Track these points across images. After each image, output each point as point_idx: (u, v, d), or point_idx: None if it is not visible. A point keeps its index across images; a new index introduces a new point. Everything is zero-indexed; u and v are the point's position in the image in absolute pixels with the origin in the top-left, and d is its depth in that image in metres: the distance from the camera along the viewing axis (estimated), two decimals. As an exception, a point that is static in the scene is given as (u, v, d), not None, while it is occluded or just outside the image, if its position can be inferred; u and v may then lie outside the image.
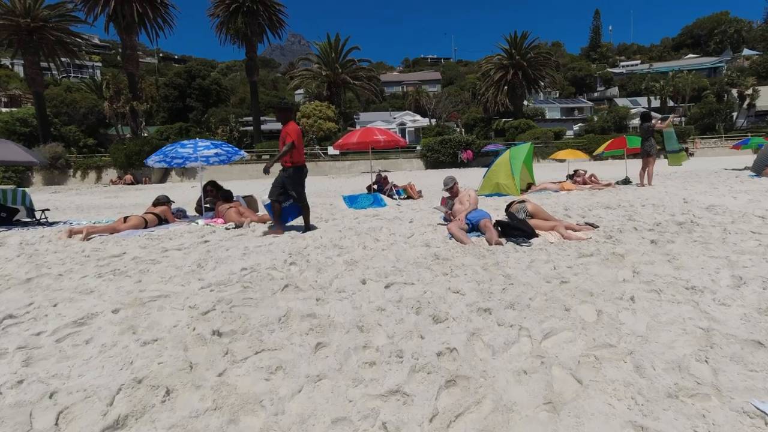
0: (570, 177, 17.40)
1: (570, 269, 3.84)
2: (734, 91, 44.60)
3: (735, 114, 45.23)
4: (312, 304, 3.24)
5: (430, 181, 21.21)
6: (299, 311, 3.09)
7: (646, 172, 10.19)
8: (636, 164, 13.35)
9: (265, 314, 3.06)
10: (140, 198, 17.28)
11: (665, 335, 2.56)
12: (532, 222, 5.27)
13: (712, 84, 47.73)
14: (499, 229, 5.15)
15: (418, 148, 36.58)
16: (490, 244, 4.74)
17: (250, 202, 7.97)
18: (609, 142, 12.88)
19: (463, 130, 45.47)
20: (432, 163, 34.28)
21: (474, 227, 5.42)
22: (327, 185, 21.38)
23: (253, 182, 26.83)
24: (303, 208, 6.16)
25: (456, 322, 2.87)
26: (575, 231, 5.20)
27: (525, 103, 55.98)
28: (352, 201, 9.17)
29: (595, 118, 49.76)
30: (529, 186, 10.30)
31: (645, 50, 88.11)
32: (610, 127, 43.46)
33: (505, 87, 43.40)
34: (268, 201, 6.02)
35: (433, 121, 46.38)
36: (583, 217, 6.06)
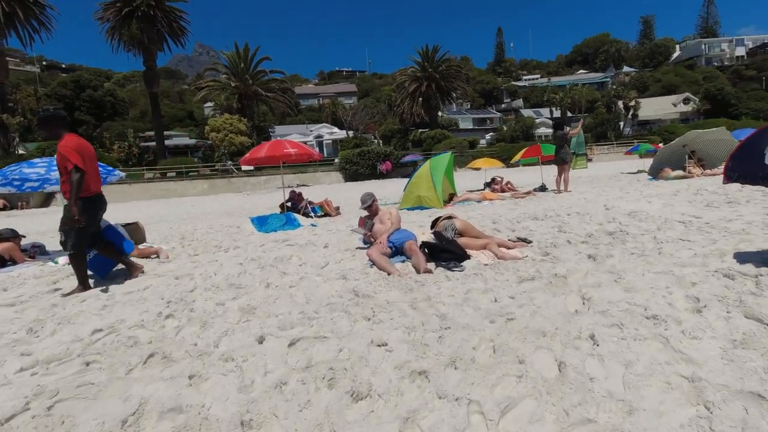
0: (488, 185, 17.67)
1: (513, 300, 3.25)
2: (620, 103, 49.50)
3: (622, 123, 50.16)
4: (181, 387, 2.29)
5: (350, 195, 20.53)
6: (159, 403, 2.13)
7: (562, 178, 10.30)
8: (549, 170, 13.71)
9: (102, 415, 2.06)
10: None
11: (649, 395, 1.99)
12: (461, 241, 4.69)
13: (602, 96, 52.62)
14: (427, 251, 4.50)
15: (337, 160, 35.87)
16: (418, 271, 4.05)
17: (133, 230, 6.64)
18: (524, 150, 13.09)
19: (380, 141, 45.58)
20: (351, 176, 33.71)
21: (398, 250, 4.72)
22: (240, 203, 19.82)
23: (157, 203, 24.30)
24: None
25: (383, 399, 2.09)
26: (509, 248, 4.70)
27: (439, 113, 57.75)
28: (261, 223, 8.12)
29: (505, 128, 52.54)
30: (452, 197, 9.95)
31: (543, 65, 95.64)
32: (518, 136, 46.00)
33: (420, 98, 44.29)
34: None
35: (351, 133, 46.00)
36: (513, 231, 5.63)
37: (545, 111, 57.48)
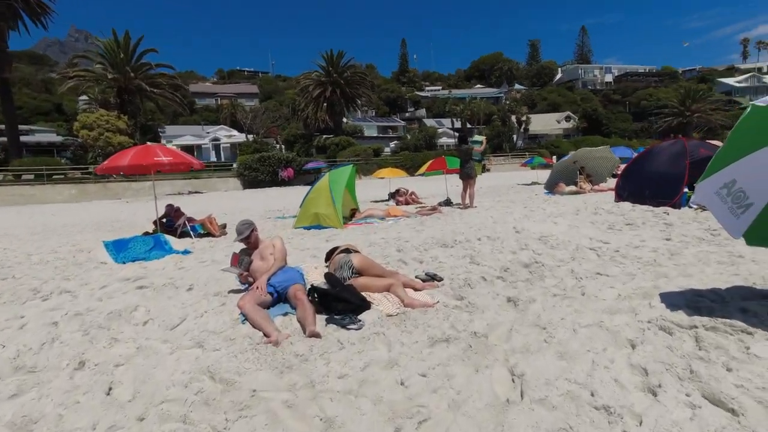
0: (392, 195, 17.21)
1: (425, 380, 2.43)
2: (513, 118, 53.14)
3: (515, 136, 53.88)
4: None
5: (247, 204, 18.82)
6: None
7: (467, 193, 9.99)
8: (453, 180, 13.50)
9: None
10: None
11: None
12: (360, 282, 3.81)
13: (498, 110, 56.09)
14: (317, 297, 3.55)
15: (235, 166, 33.38)
16: (304, 331, 3.09)
17: None
18: (430, 162, 12.73)
19: (283, 146, 43.67)
20: (250, 182, 31.57)
21: (281, 297, 3.70)
22: (116, 213, 17.03)
23: (5, 211, 20.11)
24: None
25: None
26: (417, 290, 3.92)
27: (344, 120, 57.22)
28: (119, 249, 6.52)
29: (409, 137, 53.52)
30: (353, 213, 9.11)
31: (444, 78, 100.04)
32: (422, 145, 47.02)
33: (325, 104, 43.25)
34: None
35: (251, 136, 43.41)
36: (422, 262, 4.90)
37: (447, 121, 59.73)
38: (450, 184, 13.54)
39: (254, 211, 15.07)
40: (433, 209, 9.35)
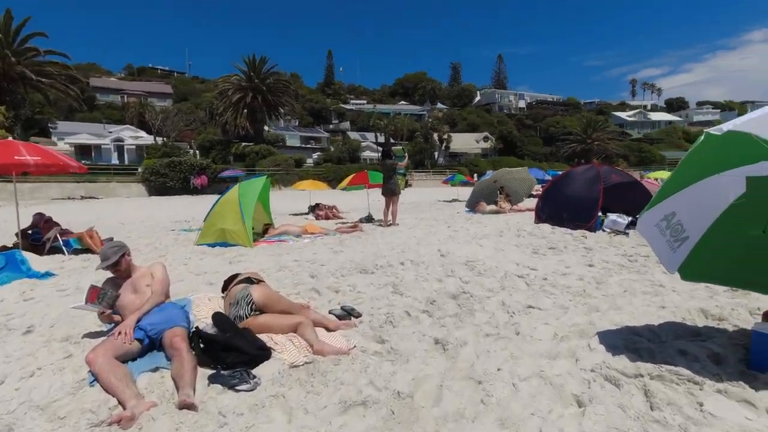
0: (312, 209, 16.42)
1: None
2: (435, 135, 54.67)
3: (437, 153, 55.43)
4: None
5: (150, 213, 16.92)
6: None
7: (390, 210, 9.56)
8: (375, 194, 13.02)
9: None
10: None
11: None
12: (261, 321, 3.10)
13: (421, 127, 57.44)
14: (201, 345, 2.77)
15: (140, 170, 30.44)
16: (180, 398, 2.31)
17: None
18: (352, 177, 12.17)
19: (197, 152, 40.86)
20: (157, 189, 28.91)
21: (154, 344, 2.87)
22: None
23: None
24: None
25: None
26: (330, 329, 3.28)
27: (266, 128, 55.24)
28: (-47, 269, 5.12)
29: (332, 149, 52.90)
30: (267, 229, 8.24)
31: (370, 92, 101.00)
32: (345, 158, 46.58)
33: (245, 110, 41.26)
34: None
35: (161, 139, 40.09)
36: (337, 292, 4.26)
37: (371, 135, 60.00)
38: (372, 200, 13.08)
39: (157, 220, 13.49)
40: (354, 227, 8.77)
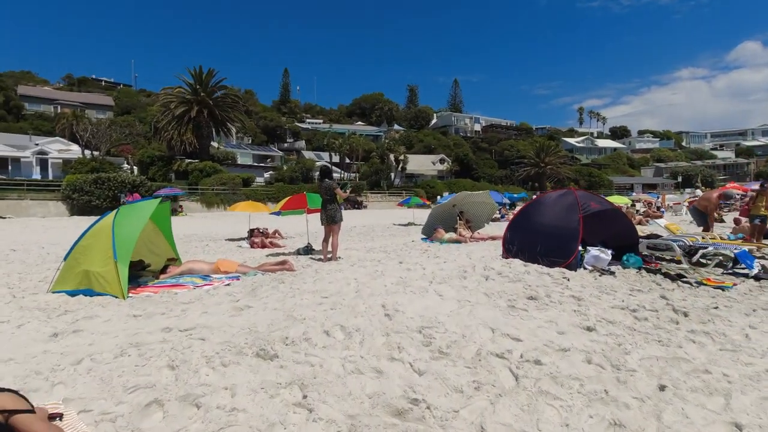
0: (251, 234, 14.40)
1: None
2: (392, 156, 53.73)
3: (393, 174, 54.40)
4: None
5: (55, 236, 14.22)
6: None
7: (330, 242, 7.84)
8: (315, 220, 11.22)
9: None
10: None
11: None
12: None
13: (377, 148, 56.40)
14: None
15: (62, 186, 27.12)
16: None
17: None
18: (286, 200, 10.31)
19: (136, 168, 37.60)
20: (81, 208, 25.74)
21: None
22: None
23: None
24: None
25: None
26: None
27: (216, 145, 52.38)
28: None
29: (285, 168, 50.72)
30: (166, 267, 6.29)
31: (326, 112, 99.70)
32: (298, 177, 44.57)
33: (189, 124, 38.52)
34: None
35: (94, 153, 36.52)
36: (198, 407, 2.47)
37: (326, 155, 58.36)
38: (312, 227, 11.30)
39: (61, 246, 10.91)
40: (282, 263, 6.92)
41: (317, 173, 50.59)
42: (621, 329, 3.89)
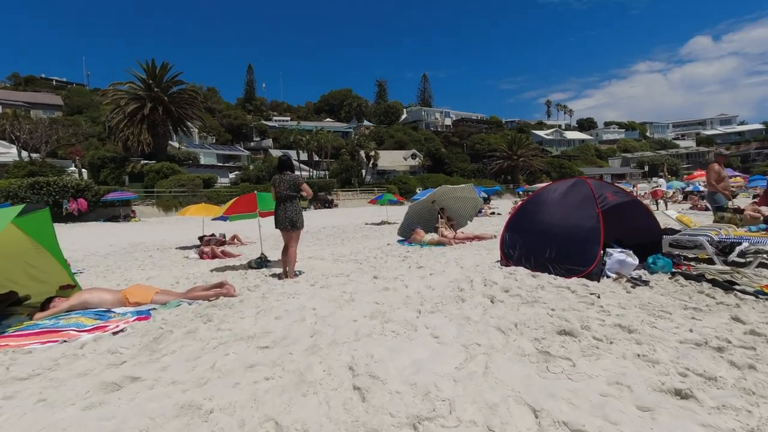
0: (201, 241, 12.58)
1: None
2: (362, 152, 52.04)
3: (364, 171, 52.73)
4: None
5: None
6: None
7: (288, 254, 6.17)
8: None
9: None
10: None
11: None
12: None
13: (347, 144, 54.59)
14: None
15: (-6, 193, 24.26)
16: None
17: None
18: (232, 202, 8.51)
19: (84, 170, 34.63)
20: (17, 217, 23.02)
21: None
22: None
23: None
24: None
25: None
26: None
27: (176, 145, 49.49)
28: None
29: (251, 167, 48.34)
30: (51, 299, 4.52)
31: (294, 109, 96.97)
32: (265, 177, 42.39)
33: (144, 123, 35.76)
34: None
35: (32, 155, 33.31)
36: None
37: (294, 153, 56.20)
38: (266, 232, 9.57)
39: None
40: (219, 286, 5.21)
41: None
42: (727, 390, 2.45)
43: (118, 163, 35.20)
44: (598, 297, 4.38)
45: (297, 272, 6.45)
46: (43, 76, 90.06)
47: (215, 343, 3.27)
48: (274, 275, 6.64)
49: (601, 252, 5.35)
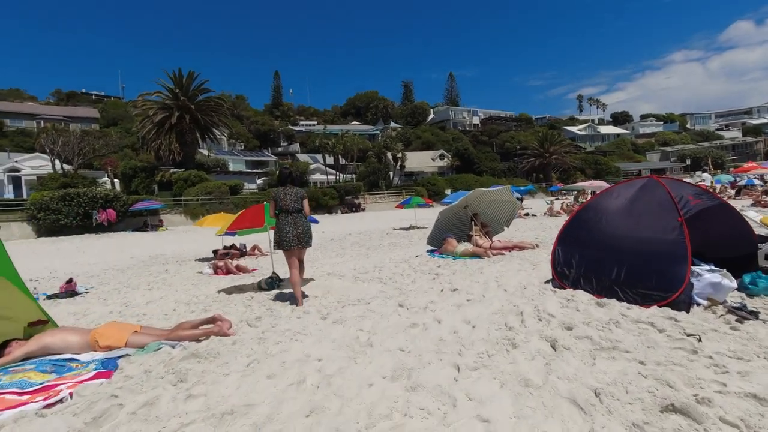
0: (215, 255, 11.89)
1: None
2: (389, 154, 51.10)
3: (392, 173, 51.80)
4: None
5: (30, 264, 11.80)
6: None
7: (296, 274, 5.27)
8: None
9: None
10: None
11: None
12: None
13: (373, 146, 53.80)
14: None
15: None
16: None
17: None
18: (238, 216, 7.65)
19: (117, 181, 35.13)
20: (48, 229, 23.26)
21: None
22: None
23: None
24: None
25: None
26: None
27: (206, 153, 49.98)
28: None
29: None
30: (7, 343, 3.76)
31: (320, 113, 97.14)
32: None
33: (172, 132, 36.01)
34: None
35: (66, 167, 33.95)
36: None
37: (320, 157, 55.95)
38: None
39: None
40: (210, 321, 4.34)
41: (313, 176, 47.61)
42: None
43: (149, 172, 35.55)
44: (699, 340, 3.26)
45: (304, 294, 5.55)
46: (83, 90, 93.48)
47: (175, 425, 2.36)
48: (284, 299, 5.75)
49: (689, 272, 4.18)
